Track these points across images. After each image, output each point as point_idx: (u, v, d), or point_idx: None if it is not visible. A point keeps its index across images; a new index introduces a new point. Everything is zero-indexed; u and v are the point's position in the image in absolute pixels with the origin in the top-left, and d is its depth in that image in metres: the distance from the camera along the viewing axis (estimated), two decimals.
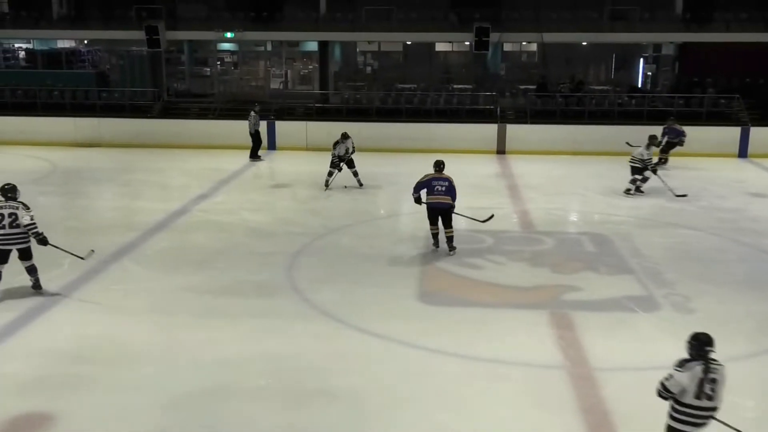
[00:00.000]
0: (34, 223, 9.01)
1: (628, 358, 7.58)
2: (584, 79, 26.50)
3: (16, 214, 8.96)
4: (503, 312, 9.06)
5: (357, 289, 9.80)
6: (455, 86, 25.83)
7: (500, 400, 6.84)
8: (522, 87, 25.36)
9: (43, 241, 9.13)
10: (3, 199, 9.14)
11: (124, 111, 23.52)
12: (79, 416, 6.51)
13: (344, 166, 16.00)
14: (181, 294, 9.55)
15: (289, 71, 28.30)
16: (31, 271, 9.28)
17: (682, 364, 5.25)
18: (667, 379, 5.25)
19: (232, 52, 28.52)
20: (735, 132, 20.94)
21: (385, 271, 10.58)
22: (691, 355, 5.30)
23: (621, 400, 6.78)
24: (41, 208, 15.12)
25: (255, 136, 19.74)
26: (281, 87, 27.67)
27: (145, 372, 7.30)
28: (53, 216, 14.36)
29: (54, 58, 27.71)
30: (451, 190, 11.16)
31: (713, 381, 5.19)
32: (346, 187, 16.15)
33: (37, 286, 9.40)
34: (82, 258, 9.71)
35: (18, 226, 8.93)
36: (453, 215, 11.23)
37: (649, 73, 27.70)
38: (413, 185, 11.42)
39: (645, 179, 15.47)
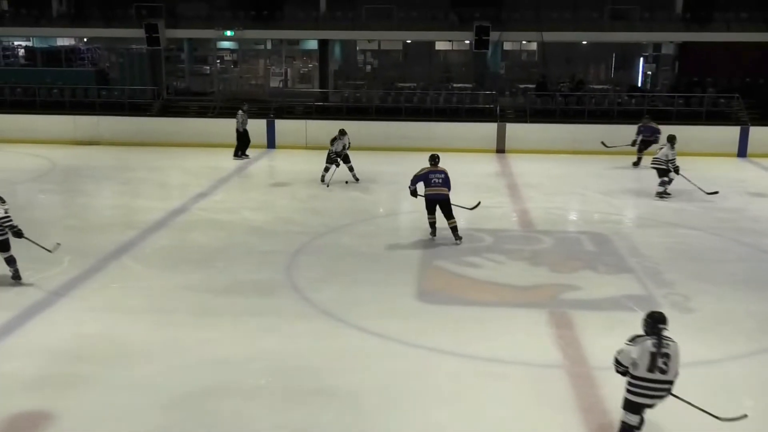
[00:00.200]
0: (8, 216, 9.27)
1: None
2: (584, 79, 26.52)
3: None
4: (502, 311, 9.07)
5: (356, 288, 9.81)
6: (455, 85, 25.86)
7: (499, 400, 6.84)
8: (522, 86, 25.36)
9: (18, 233, 9.40)
10: None
11: (124, 109, 23.53)
12: (78, 415, 6.50)
13: (340, 162, 16.15)
14: (181, 292, 9.54)
15: (288, 70, 28.29)
16: (10, 262, 9.50)
17: (633, 339, 5.69)
18: (619, 352, 5.68)
19: (231, 51, 28.52)
20: (735, 132, 20.93)
21: (384, 270, 10.58)
22: (645, 331, 5.68)
23: (620, 399, 6.75)
24: (40, 206, 15.20)
25: (243, 134, 19.75)
26: (281, 85, 27.67)
27: (144, 371, 7.30)
28: (53, 214, 14.40)
29: (53, 56, 27.70)
30: (446, 182, 11.74)
31: (666, 355, 5.58)
32: (347, 182, 16.30)
33: (16, 277, 9.60)
34: (49, 251, 9.81)
35: None
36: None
37: (649, 73, 27.71)
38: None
39: (670, 180, 15.17)
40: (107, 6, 25.39)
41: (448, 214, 11.68)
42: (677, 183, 15.18)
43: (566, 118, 22.22)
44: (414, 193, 11.90)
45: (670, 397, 5.81)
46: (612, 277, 10.34)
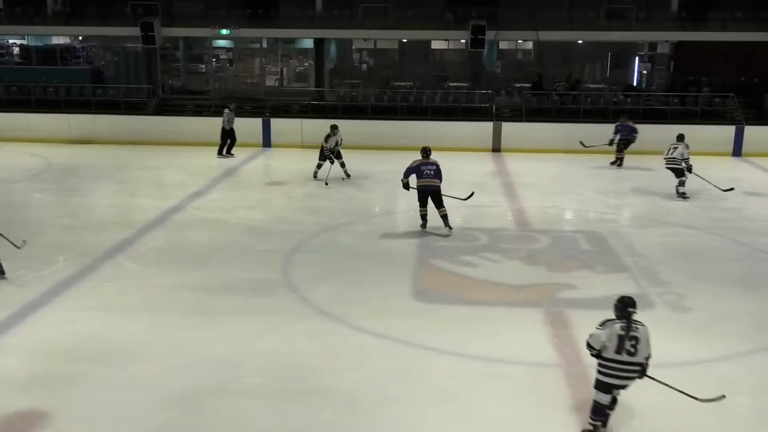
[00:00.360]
0: None
1: None
2: (580, 78, 26.54)
3: None
4: (498, 310, 9.07)
5: (352, 287, 9.80)
6: (451, 84, 25.83)
7: (495, 399, 6.84)
8: (518, 85, 25.37)
9: None
10: None
11: (119, 108, 23.44)
12: (73, 414, 6.49)
13: (334, 159, 16.30)
14: (177, 292, 9.52)
15: (284, 68, 28.25)
16: None
17: (603, 323, 5.98)
18: (590, 336, 6.00)
19: (227, 49, 28.46)
20: (729, 131, 20.96)
21: (380, 268, 10.58)
22: (616, 315, 5.96)
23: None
24: (36, 205, 15.16)
25: (229, 133, 19.73)
26: (277, 84, 27.63)
27: (140, 370, 7.28)
28: (48, 213, 14.36)
29: (48, 54, 27.58)
30: (438, 174, 12.14)
31: (634, 338, 5.85)
32: (343, 179, 16.43)
33: (0, 272, 9.65)
34: (18, 247, 9.81)
35: None
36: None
37: (645, 72, 27.73)
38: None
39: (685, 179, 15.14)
40: (102, 4, 25.29)
41: (439, 204, 12.11)
42: (673, 181, 15.19)
43: (562, 118, 22.23)
44: (406, 186, 12.32)
45: (652, 381, 6.08)
46: (608, 277, 10.35)
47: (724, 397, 6.17)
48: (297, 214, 13.92)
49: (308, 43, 26.89)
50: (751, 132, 20.90)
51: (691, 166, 15.08)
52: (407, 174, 12.24)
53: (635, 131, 18.59)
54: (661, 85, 25.93)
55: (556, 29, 23.82)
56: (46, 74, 25.05)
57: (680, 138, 15.43)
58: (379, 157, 19.32)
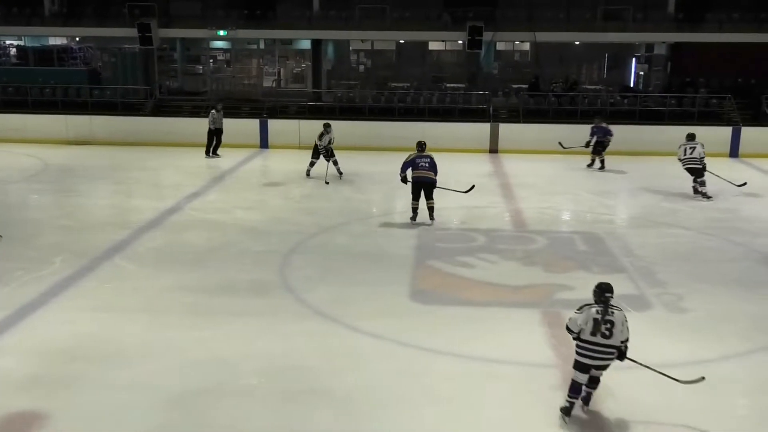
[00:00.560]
0: None
1: None
2: (578, 79, 26.57)
3: None
4: (496, 311, 9.08)
5: (350, 288, 9.80)
6: (448, 85, 25.87)
7: (492, 399, 6.85)
8: (515, 86, 25.37)
9: None
10: None
11: (116, 109, 23.43)
12: (73, 415, 6.49)
13: (322, 158, 16.50)
14: (174, 292, 9.52)
15: (281, 69, 28.24)
16: None
17: (581, 308, 6.37)
18: (569, 320, 6.38)
19: (224, 50, 28.45)
20: (726, 132, 20.99)
21: (377, 269, 10.59)
22: (594, 300, 6.34)
23: (613, 396, 6.80)
24: (33, 206, 15.15)
25: (215, 133, 19.77)
26: (274, 85, 27.60)
27: (138, 371, 7.28)
28: (45, 214, 14.35)
29: (46, 55, 27.57)
30: (433, 166, 12.63)
31: (609, 322, 6.20)
32: (341, 177, 16.50)
33: None
34: None
35: None
36: (436, 189, 12.69)
37: (642, 73, 27.77)
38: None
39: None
40: (100, 5, 25.28)
41: (429, 196, 12.65)
42: (671, 183, 15.22)
43: (559, 119, 22.25)
44: (404, 180, 12.79)
45: (635, 365, 6.46)
46: (605, 277, 10.15)
47: (703, 378, 6.53)
48: (294, 214, 13.92)
49: (305, 44, 26.90)
50: (748, 133, 20.95)
51: (705, 164, 15.15)
52: (404, 168, 12.69)
53: (610, 133, 18.40)
54: (658, 86, 25.94)
55: (553, 30, 23.84)
56: (43, 75, 25.05)
57: (692, 137, 15.45)
58: (376, 157, 19.32)
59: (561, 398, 6.63)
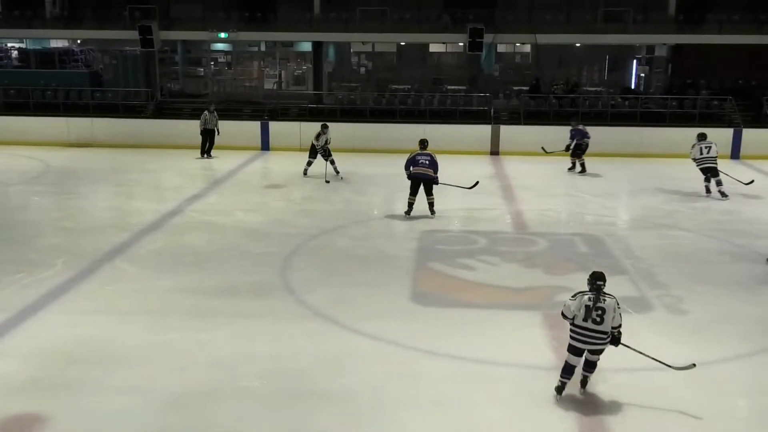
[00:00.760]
0: None
1: (620, 358, 7.59)
2: (579, 81, 26.56)
3: None
4: (496, 313, 9.07)
5: (350, 290, 9.80)
6: (449, 87, 25.87)
7: (493, 401, 6.84)
8: (515, 88, 25.39)
9: None
10: None
11: (118, 111, 23.48)
12: (73, 417, 6.49)
13: (319, 157, 16.70)
14: (175, 294, 9.52)
15: (282, 72, 28.28)
16: None
17: (575, 295, 6.73)
18: (564, 307, 6.75)
19: (225, 53, 28.49)
20: (728, 133, 20.96)
21: (378, 271, 10.58)
22: (588, 288, 6.66)
23: (614, 400, 6.80)
24: (34, 208, 15.15)
25: (207, 134, 19.82)
26: (275, 87, 27.63)
27: (138, 373, 7.28)
28: (46, 216, 14.35)
29: (47, 57, 27.58)
30: (433, 164, 13.08)
31: (600, 309, 6.52)
32: (342, 178, 16.61)
33: None
34: None
35: None
36: (438, 184, 13.24)
37: (642, 75, 27.78)
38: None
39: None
40: (101, 8, 25.34)
41: (429, 192, 13.19)
42: (672, 185, 15.21)
43: (560, 120, 22.22)
44: (410, 177, 13.18)
45: (633, 353, 6.77)
46: (606, 279, 10.32)
47: (694, 365, 6.86)
48: (295, 217, 13.92)
49: (306, 47, 26.92)
50: (749, 135, 20.95)
51: (717, 163, 15.29)
52: (407, 166, 13.15)
53: (587, 135, 18.27)
54: (659, 88, 25.95)
55: (554, 32, 23.85)
56: (44, 77, 25.09)
57: (704, 137, 15.50)
58: (376, 159, 19.33)
59: (562, 400, 6.65)
